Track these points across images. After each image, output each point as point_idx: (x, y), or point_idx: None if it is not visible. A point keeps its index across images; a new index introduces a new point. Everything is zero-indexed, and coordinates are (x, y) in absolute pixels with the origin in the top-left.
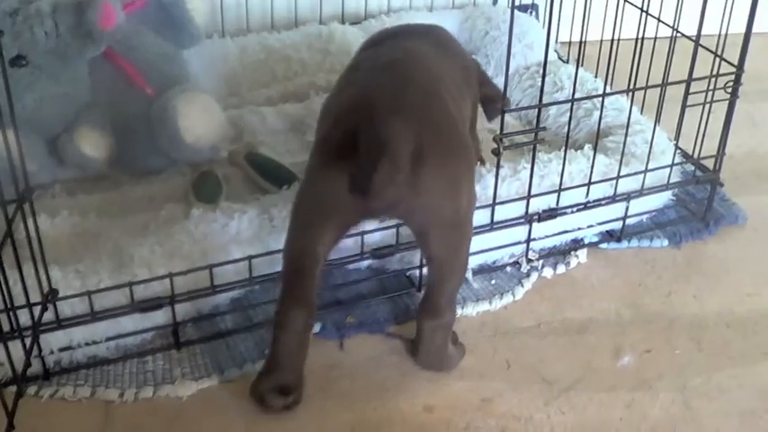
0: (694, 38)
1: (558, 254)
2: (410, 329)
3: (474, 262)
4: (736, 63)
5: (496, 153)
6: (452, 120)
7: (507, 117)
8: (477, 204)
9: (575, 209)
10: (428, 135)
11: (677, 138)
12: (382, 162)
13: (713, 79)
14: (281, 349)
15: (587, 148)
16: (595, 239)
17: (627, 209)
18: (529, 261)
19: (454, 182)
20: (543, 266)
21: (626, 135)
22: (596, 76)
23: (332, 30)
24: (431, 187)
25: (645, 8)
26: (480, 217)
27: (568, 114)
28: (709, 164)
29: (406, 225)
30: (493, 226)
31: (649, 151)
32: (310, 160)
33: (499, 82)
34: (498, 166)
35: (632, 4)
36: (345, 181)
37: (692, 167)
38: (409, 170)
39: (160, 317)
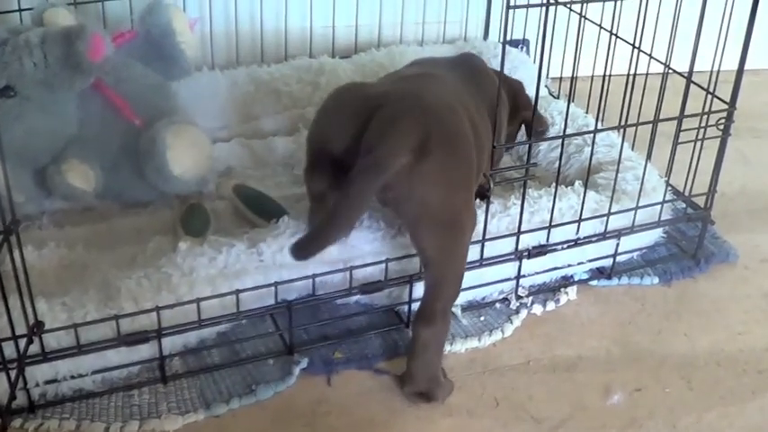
0: (686, 74)
1: (547, 290)
2: (399, 365)
3: (463, 298)
4: (728, 100)
5: (487, 189)
6: (463, 132)
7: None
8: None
9: (565, 245)
10: (437, 134)
11: (668, 175)
12: (392, 135)
13: (705, 116)
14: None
15: (578, 184)
16: (585, 276)
17: (617, 246)
18: (518, 298)
19: (452, 183)
20: (533, 303)
21: (617, 171)
22: (587, 112)
23: (322, 63)
24: (428, 179)
25: (636, 44)
26: (470, 253)
27: (559, 150)
28: (701, 201)
29: (400, 219)
30: (482, 262)
31: (640, 188)
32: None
33: None
34: (488, 202)
35: (624, 40)
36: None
37: (683, 205)
38: (412, 157)
39: (147, 350)
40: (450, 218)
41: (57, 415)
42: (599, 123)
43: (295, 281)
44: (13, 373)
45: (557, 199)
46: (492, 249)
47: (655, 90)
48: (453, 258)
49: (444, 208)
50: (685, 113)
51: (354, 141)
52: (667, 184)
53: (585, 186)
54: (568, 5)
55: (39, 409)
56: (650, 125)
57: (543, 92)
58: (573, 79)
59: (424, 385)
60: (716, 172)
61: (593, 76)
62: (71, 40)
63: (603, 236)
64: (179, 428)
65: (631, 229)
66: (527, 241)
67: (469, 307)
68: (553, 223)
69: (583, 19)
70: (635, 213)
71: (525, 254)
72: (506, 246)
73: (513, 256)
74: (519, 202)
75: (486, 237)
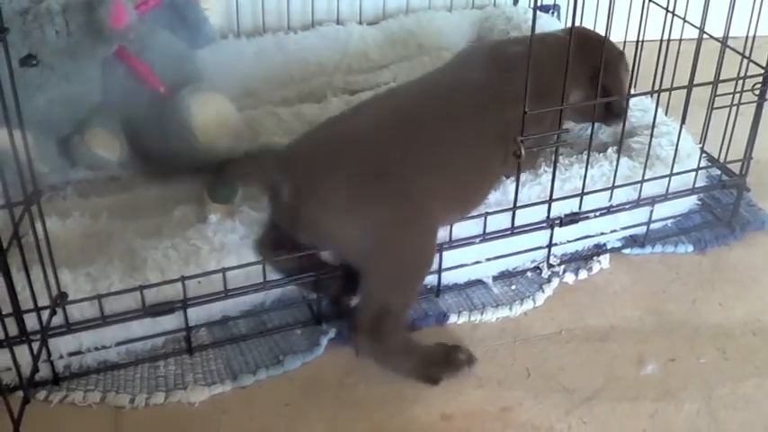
0: (722, 39)
1: (579, 259)
2: (426, 336)
3: (494, 267)
4: (764, 65)
5: (517, 156)
6: (366, 169)
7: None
8: (498, 208)
9: (597, 213)
10: (308, 177)
11: (703, 141)
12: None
13: (740, 81)
14: None
15: (610, 150)
16: (618, 245)
17: (651, 213)
18: (550, 266)
19: (345, 218)
20: (565, 272)
21: (651, 136)
22: None
23: (349, 30)
24: (311, 221)
25: (670, 9)
26: (501, 221)
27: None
28: (736, 168)
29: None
30: (513, 230)
31: (675, 154)
32: None
33: None
34: (519, 170)
35: (657, 4)
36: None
37: (718, 171)
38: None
39: (172, 321)
40: (357, 249)
41: (81, 387)
42: (632, 89)
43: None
44: (35, 346)
45: (589, 166)
46: (523, 217)
47: (688, 55)
48: (377, 278)
49: (344, 243)
50: (720, 78)
51: None
52: (702, 150)
53: (619, 152)
54: None
55: (63, 381)
56: (684, 91)
57: None
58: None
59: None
60: (751, 138)
61: (625, 42)
62: (93, 7)
63: (637, 203)
64: (205, 400)
65: (665, 197)
66: (559, 209)
67: (501, 276)
68: (585, 190)
69: None
70: (669, 180)
71: (557, 222)
72: (538, 214)
73: (544, 224)
74: (550, 170)
75: (518, 204)
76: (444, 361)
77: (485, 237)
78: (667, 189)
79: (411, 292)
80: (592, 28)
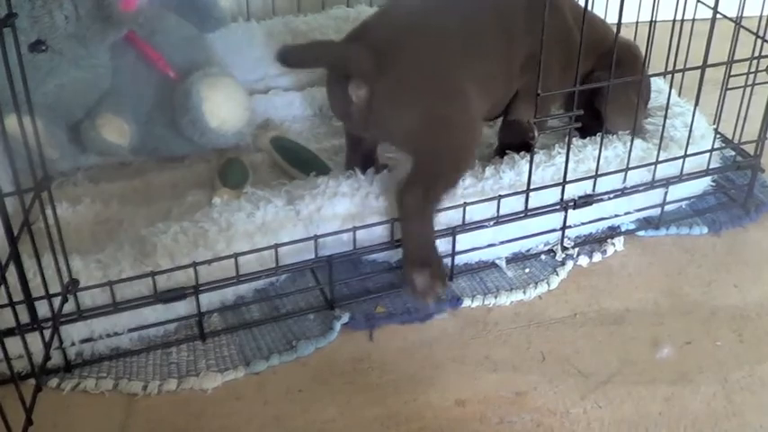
0: (735, 19)
1: (593, 242)
2: (440, 320)
3: (508, 250)
4: None
5: (531, 138)
6: (426, 48)
7: None
8: (512, 191)
9: (611, 195)
10: (393, 54)
11: (717, 122)
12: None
13: (754, 61)
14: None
15: (623, 132)
16: (632, 227)
17: (665, 195)
18: (564, 249)
19: (416, 97)
20: (579, 255)
21: (665, 117)
22: None
23: (360, 12)
24: (388, 97)
25: None
26: (514, 204)
27: None
28: (750, 149)
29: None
30: (527, 213)
31: (689, 135)
32: None
33: None
34: (533, 152)
35: None
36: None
37: (732, 153)
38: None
39: (184, 307)
40: (425, 129)
41: (93, 374)
42: (647, 69)
43: (336, 233)
44: (47, 333)
45: (602, 147)
46: (537, 200)
47: (701, 36)
48: (439, 158)
49: (403, 132)
50: (734, 59)
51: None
52: (716, 131)
53: (633, 134)
54: None
55: (75, 369)
56: (698, 72)
57: None
58: (618, 25)
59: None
60: (766, 118)
61: (637, 22)
62: None
63: (651, 185)
64: (218, 386)
65: (679, 178)
66: (572, 191)
67: (514, 259)
68: (599, 172)
69: None
70: (683, 161)
71: (571, 204)
72: (551, 196)
73: (558, 207)
74: (564, 152)
75: (531, 187)
76: (428, 273)
77: (498, 220)
78: (681, 170)
79: (453, 181)
80: (604, 8)
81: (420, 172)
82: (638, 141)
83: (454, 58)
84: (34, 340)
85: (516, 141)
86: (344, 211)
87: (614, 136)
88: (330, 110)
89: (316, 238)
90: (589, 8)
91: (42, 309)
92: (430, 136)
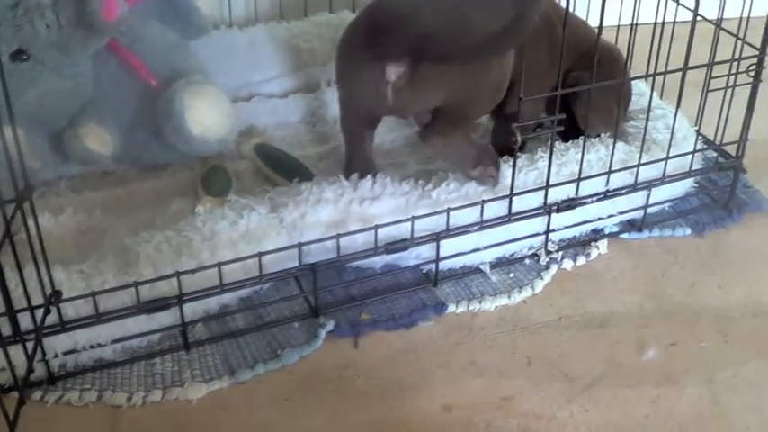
0: (716, 21)
1: (577, 245)
2: (424, 326)
3: (492, 255)
4: (758, 46)
5: (515, 142)
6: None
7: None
8: (494, 196)
9: (594, 198)
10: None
11: (699, 123)
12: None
13: (735, 63)
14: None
15: (605, 135)
16: (616, 229)
17: (648, 197)
18: (548, 253)
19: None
20: (563, 258)
21: (647, 120)
22: None
23: (342, 18)
24: (428, 75)
25: None
26: (498, 208)
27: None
28: (732, 150)
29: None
30: (511, 217)
31: (671, 137)
32: None
33: None
34: (516, 156)
35: None
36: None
37: (714, 154)
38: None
39: (168, 317)
40: (469, 79)
41: (77, 386)
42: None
43: (319, 241)
44: (30, 345)
45: (585, 151)
46: (520, 204)
47: (682, 39)
48: (477, 100)
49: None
50: (715, 61)
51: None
52: (698, 133)
53: (615, 137)
54: None
55: (59, 381)
56: (679, 74)
57: None
58: (599, 29)
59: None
60: (747, 119)
61: (619, 25)
62: None
63: (634, 187)
64: (203, 396)
65: (662, 180)
66: (556, 195)
67: (498, 263)
68: (582, 176)
69: None
70: (665, 164)
71: (554, 208)
72: (535, 200)
73: (541, 211)
74: (546, 155)
75: (514, 191)
76: (480, 169)
77: (482, 224)
78: (664, 172)
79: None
80: (586, 11)
81: (445, 117)
82: (620, 144)
83: (471, 14)
84: (17, 353)
85: (509, 144)
86: (328, 218)
87: (596, 139)
88: (349, 99)
89: (299, 245)
90: (570, 10)
91: (25, 321)
92: (472, 84)
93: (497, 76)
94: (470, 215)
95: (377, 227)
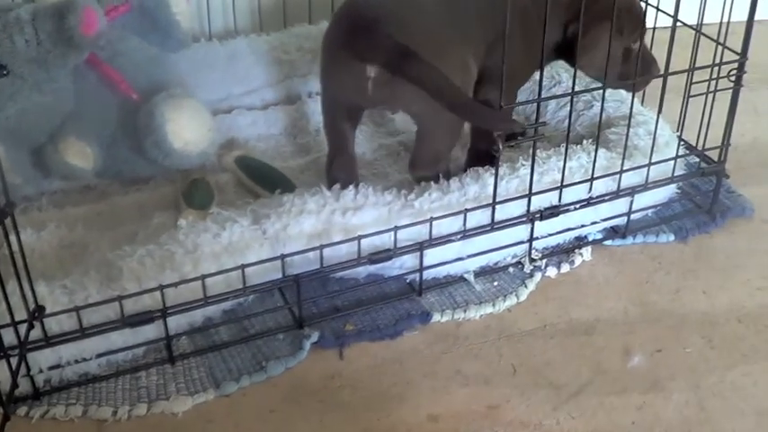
0: (696, 26)
1: (561, 252)
2: (409, 336)
3: (475, 264)
4: (739, 51)
5: (496, 151)
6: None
7: None
8: (477, 204)
9: (577, 205)
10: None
11: (681, 129)
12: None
13: (716, 68)
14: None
15: (587, 142)
16: (599, 236)
17: (631, 204)
18: (532, 261)
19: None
20: (547, 266)
21: (628, 126)
22: None
23: (322, 30)
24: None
25: None
26: (480, 217)
27: (567, 108)
28: (714, 155)
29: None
30: (493, 226)
31: (653, 143)
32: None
33: None
34: (497, 164)
35: None
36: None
37: (697, 159)
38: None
39: (152, 331)
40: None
41: (62, 401)
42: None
43: (302, 252)
44: (14, 361)
45: (567, 158)
46: (503, 212)
47: (662, 44)
48: (437, 124)
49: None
50: (696, 66)
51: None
52: (680, 138)
53: (597, 144)
54: None
55: (44, 396)
56: (660, 79)
57: None
58: (579, 35)
59: None
60: (729, 124)
61: None
62: (63, 14)
63: (616, 194)
64: (189, 409)
65: (645, 186)
66: (538, 203)
67: (482, 272)
68: (564, 183)
69: None
70: (648, 170)
71: (537, 216)
72: (517, 208)
73: (524, 219)
74: (528, 163)
75: (497, 200)
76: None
77: (465, 233)
78: (646, 179)
79: (455, 137)
80: None
81: (427, 140)
82: (602, 151)
83: (445, 22)
84: (1, 368)
85: (486, 146)
86: (311, 229)
87: (578, 146)
88: (333, 95)
89: (282, 257)
90: None
91: (8, 336)
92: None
93: (465, 80)
94: (453, 224)
95: (360, 237)
